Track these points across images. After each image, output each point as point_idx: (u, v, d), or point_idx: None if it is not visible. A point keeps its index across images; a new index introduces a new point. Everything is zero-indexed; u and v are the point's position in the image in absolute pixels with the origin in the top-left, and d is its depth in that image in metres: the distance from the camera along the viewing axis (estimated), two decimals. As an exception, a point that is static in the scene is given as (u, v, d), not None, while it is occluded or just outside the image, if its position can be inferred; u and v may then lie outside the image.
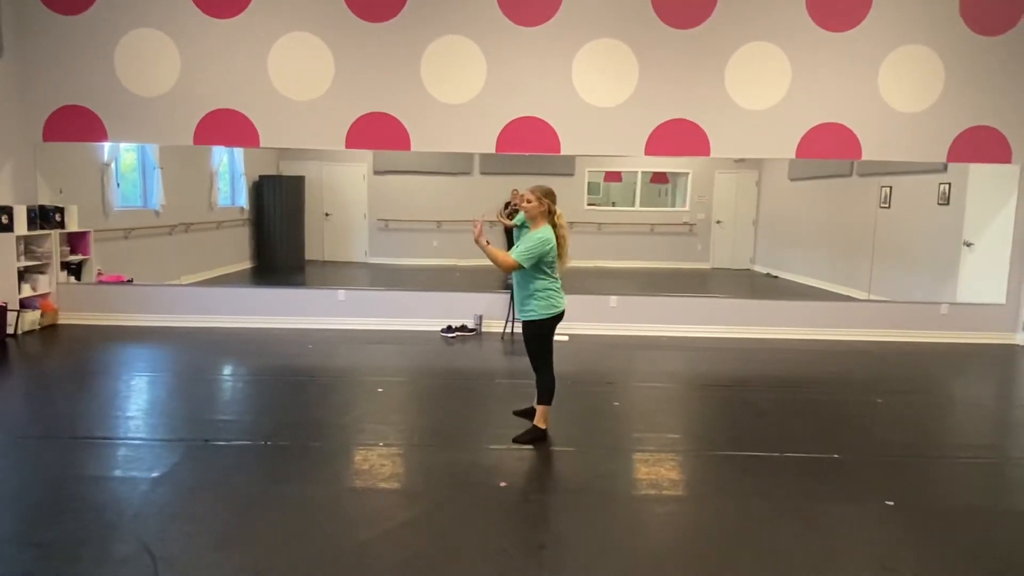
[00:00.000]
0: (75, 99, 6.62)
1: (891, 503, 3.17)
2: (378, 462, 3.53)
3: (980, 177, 7.12)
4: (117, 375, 5.19)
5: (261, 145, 6.69)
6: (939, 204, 7.57)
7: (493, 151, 6.72)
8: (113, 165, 7.73)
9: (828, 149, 6.72)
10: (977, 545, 2.83)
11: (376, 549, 2.68)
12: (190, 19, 6.50)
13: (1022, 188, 6.81)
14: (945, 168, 7.34)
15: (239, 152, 10.38)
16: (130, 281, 7.24)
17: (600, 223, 11.72)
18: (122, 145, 7.79)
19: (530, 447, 3.76)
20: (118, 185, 7.90)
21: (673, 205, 12.18)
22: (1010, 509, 3.22)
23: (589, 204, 11.92)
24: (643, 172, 12.05)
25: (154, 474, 3.30)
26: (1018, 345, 6.89)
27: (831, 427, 4.26)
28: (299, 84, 6.59)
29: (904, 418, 4.51)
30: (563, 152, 6.74)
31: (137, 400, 4.54)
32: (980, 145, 6.71)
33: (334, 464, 3.52)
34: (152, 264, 8.12)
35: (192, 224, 9.10)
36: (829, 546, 2.79)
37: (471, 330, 6.78)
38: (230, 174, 10.46)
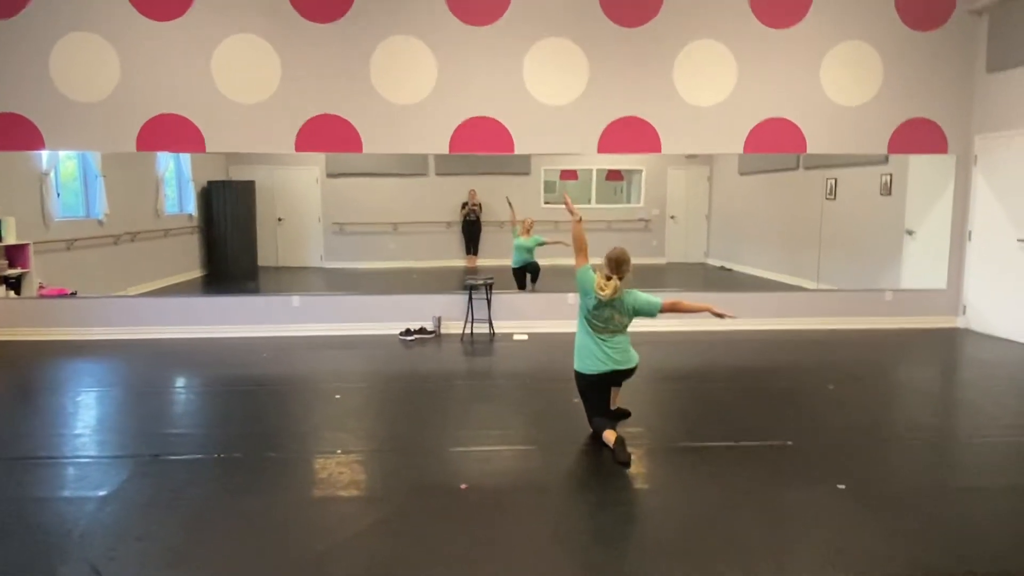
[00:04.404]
0: (9, 107, 6.36)
1: (843, 487, 3.26)
2: (336, 470, 3.48)
3: (919, 168, 7.37)
4: (63, 392, 5.00)
5: (207, 150, 6.54)
6: (882, 195, 7.82)
7: (447, 152, 6.69)
8: (52, 174, 7.45)
9: (775, 143, 6.88)
10: (926, 523, 2.92)
11: (335, 559, 2.64)
12: (128, 22, 6.31)
13: (958, 177, 7.08)
14: (886, 160, 7.59)
15: (185, 158, 10.11)
16: (74, 294, 6.99)
17: (557, 221, 11.77)
18: (61, 153, 7.52)
19: (492, 447, 3.75)
20: (58, 195, 7.62)
21: (628, 202, 12.32)
22: (957, 487, 3.34)
23: (546, 203, 11.97)
24: (598, 170, 12.15)
25: (102, 492, 3.19)
26: (959, 328, 7.16)
27: (784, 415, 4.36)
28: (245, 87, 6.45)
29: (854, 403, 4.64)
30: (517, 151, 6.75)
31: (84, 417, 4.38)
32: (918, 137, 6.96)
33: (291, 474, 3.45)
34: (97, 276, 7.85)
35: (138, 233, 8.83)
36: (783, 531, 2.86)
37: (430, 332, 6.73)
38: (177, 180, 10.19)
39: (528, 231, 7.94)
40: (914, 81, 6.86)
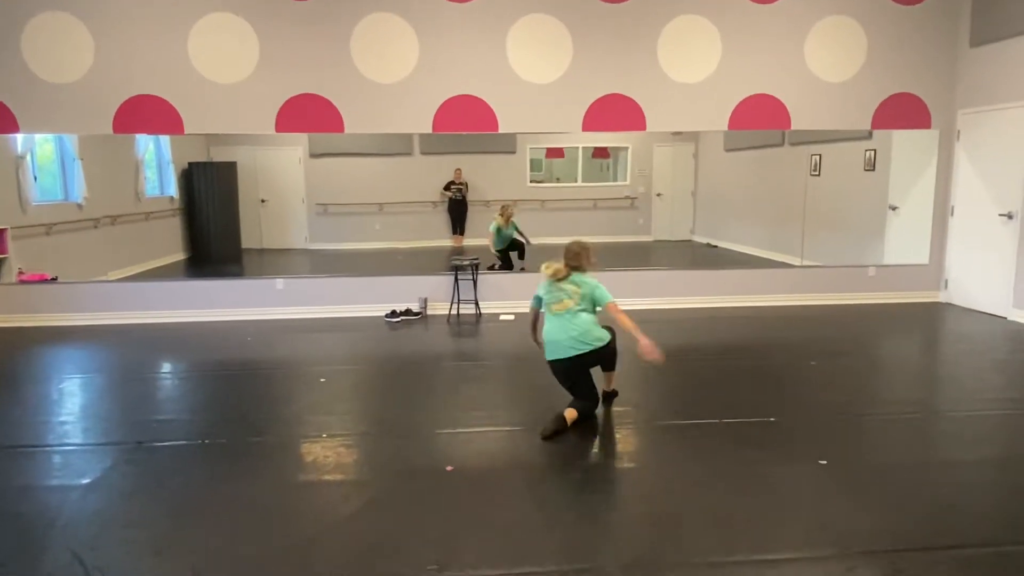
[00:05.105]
0: (-20, 88, 6.21)
1: (824, 462, 3.30)
2: (322, 454, 3.48)
3: (903, 143, 7.39)
4: (44, 379, 4.95)
5: (186, 132, 6.43)
6: (866, 170, 7.84)
7: (430, 131, 6.62)
8: (29, 157, 7.32)
9: (759, 120, 6.86)
10: (907, 497, 2.97)
11: (322, 543, 2.64)
12: (101, 0, 6.16)
13: (941, 153, 7.10)
14: (870, 135, 7.60)
15: (165, 139, 9.95)
16: (54, 279, 6.90)
17: (543, 200, 11.73)
18: (37, 136, 7.37)
19: (478, 428, 3.77)
20: (35, 178, 7.48)
21: (615, 179, 12.28)
22: (937, 460, 3.39)
23: (532, 181, 11.90)
24: (584, 148, 12.09)
25: (85, 481, 3.17)
26: (941, 303, 7.23)
27: (767, 391, 4.40)
28: (223, 67, 6.34)
29: (836, 379, 4.68)
30: (501, 130, 6.69)
31: (66, 404, 4.35)
32: (902, 112, 6.96)
33: (276, 459, 3.45)
34: (77, 260, 7.75)
35: (119, 217, 8.71)
36: (766, 507, 2.89)
37: (416, 314, 6.72)
38: (157, 162, 10.04)
39: (508, 219, 7.85)
40: (898, 56, 6.85)
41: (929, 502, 2.93)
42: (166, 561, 2.52)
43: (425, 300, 6.80)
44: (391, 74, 6.49)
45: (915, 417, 3.98)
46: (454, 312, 6.77)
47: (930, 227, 7.25)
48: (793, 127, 6.93)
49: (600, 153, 12.41)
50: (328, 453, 3.49)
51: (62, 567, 2.47)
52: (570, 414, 3.73)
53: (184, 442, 3.64)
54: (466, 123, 6.63)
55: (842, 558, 2.50)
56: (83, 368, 5.27)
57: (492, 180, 11.49)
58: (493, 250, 7.86)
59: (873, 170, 7.73)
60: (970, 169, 6.89)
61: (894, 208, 7.57)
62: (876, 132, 7.27)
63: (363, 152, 11.11)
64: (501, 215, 7.91)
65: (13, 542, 2.65)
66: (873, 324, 6.42)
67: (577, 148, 12.11)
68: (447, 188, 11.10)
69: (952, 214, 7.15)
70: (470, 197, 11.23)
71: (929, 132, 7.06)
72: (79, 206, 8.17)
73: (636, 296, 6.96)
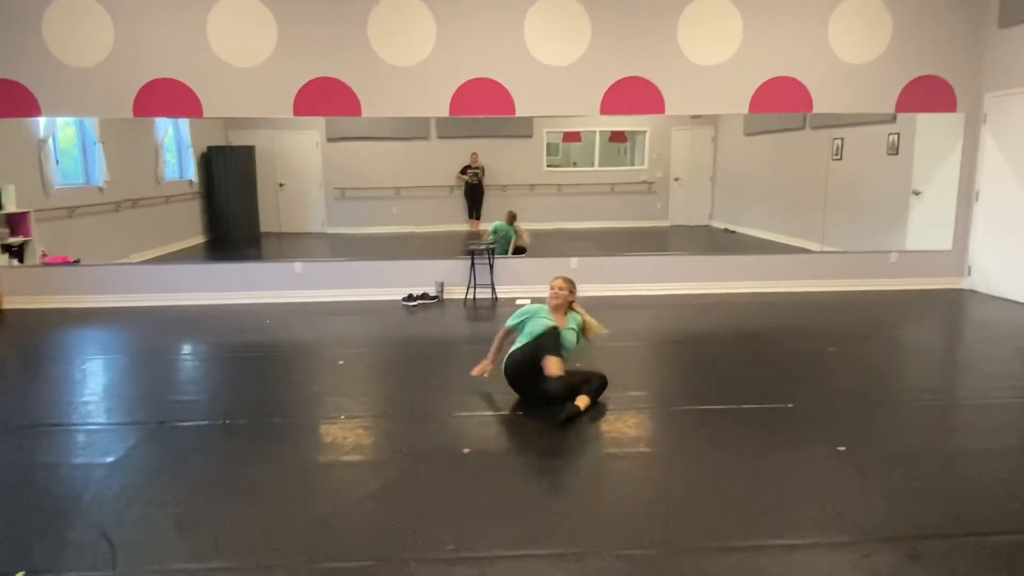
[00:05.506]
0: (4, 73, 6.28)
1: (843, 448, 3.28)
2: (340, 435, 3.52)
3: (927, 127, 7.26)
4: (68, 359, 5.04)
5: (205, 115, 6.47)
6: (889, 154, 7.71)
7: (447, 115, 6.61)
8: (51, 141, 7.40)
9: (780, 103, 6.76)
10: (925, 484, 2.94)
11: (340, 523, 2.68)
12: (121, -16, 6.19)
13: (967, 137, 6.97)
14: (894, 119, 7.47)
15: (184, 123, 10.01)
16: (77, 262, 7.00)
17: (560, 184, 11.68)
18: (59, 120, 7.45)
19: (495, 412, 3.78)
20: (57, 162, 7.57)
21: (632, 164, 12.18)
22: (956, 448, 3.36)
23: (549, 166, 11.84)
24: (602, 131, 11.99)
25: (109, 459, 3.23)
26: (964, 289, 7.13)
27: (785, 378, 4.37)
28: (241, 50, 6.35)
29: (855, 366, 4.64)
30: (518, 114, 6.67)
31: (90, 384, 4.42)
32: (927, 95, 6.83)
33: (295, 440, 3.49)
34: (99, 243, 7.85)
35: (139, 200, 8.80)
36: (783, 493, 2.88)
37: (432, 298, 6.74)
38: (176, 146, 10.10)
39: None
40: (924, 37, 6.71)
41: (948, 489, 2.90)
42: (189, 537, 2.57)
43: (442, 284, 6.82)
44: (408, 57, 6.47)
45: (935, 404, 3.94)
46: (470, 296, 6.78)
47: (954, 212, 7.13)
48: (815, 110, 6.83)
49: (617, 137, 12.31)
50: (347, 434, 3.53)
51: (89, 542, 2.53)
52: (582, 401, 3.73)
53: (205, 422, 3.69)
54: (483, 107, 6.60)
55: (860, 544, 2.49)
56: (105, 349, 5.35)
57: (509, 164, 11.46)
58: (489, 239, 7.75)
59: (896, 154, 7.60)
60: (996, 153, 6.76)
61: (917, 193, 7.45)
62: (900, 115, 7.15)
63: (380, 136, 11.11)
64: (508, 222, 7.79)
65: (41, 518, 2.71)
66: (894, 311, 6.35)
67: (594, 132, 12.01)
68: (463, 172, 11.08)
69: (977, 199, 7.03)
70: (486, 181, 11.22)
71: (954, 115, 6.93)
72: (100, 189, 8.26)
73: (653, 281, 6.93)
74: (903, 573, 2.34)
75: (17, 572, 2.34)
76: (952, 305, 6.55)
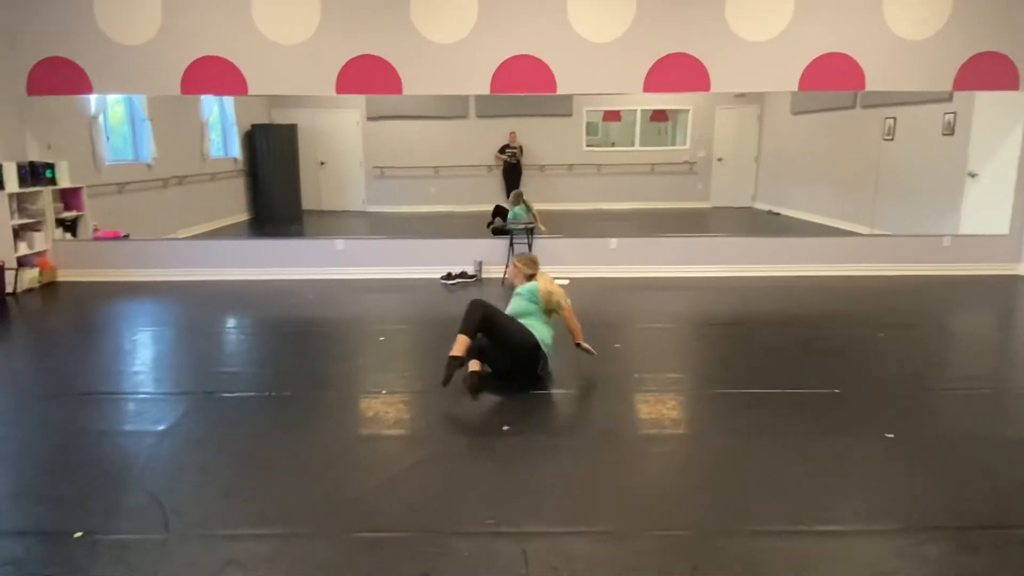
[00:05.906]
0: (57, 50, 6.43)
1: (891, 435, 3.20)
2: (382, 409, 3.56)
3: (986, 106, 6.96)
4: (119, 331, 5.20)
5: (249, 92, 6.53)
6: (944, 135, 7.44)
7: (487, 92, 6.56)
8: (101, 118, 7.59)
9: (831, 80, 6.54)
10: (974, 474, 2.86)
11: (381, 495, 2.72)
12: (169, -38, 6.26)
13: (1029, 116, 6.66)
14: (950, 97, 7.18)
15: (229, 101, 10.18)
16: (127, 236, 7.20)
17: (599, 164, 11.56)
18: (109, 97, 7.62)
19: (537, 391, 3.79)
20: (107, 138, 7.77)
21: (673, 143, 12.00)
22: (1008, 438, 3.25)
23: (588, 145, 11.73)
24: (642, 110, 11.82)
25: (160, 427, 3.33)
26: (1021, 275, 6.86)
27: (832, 363, 4.27)
28: (285, 28, 6.39)
29: (905, 352, 4.52)
30: (559, 91, 6.58)
31: (140, 355, 4.56)
32: (987, 72, 6.53)
33: (338, 413, 3.55)
34: (147, 218, 8.06)
35: (185, 177, 8.99)
36: (828, 479, 2.83)
37: (471, 276, 6.76)
38: (221, 124, 10.28)
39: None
40: (986, 12, 6.40)
41: (998, 481, 2.81)
42: (235, 504, 2.64)
43: (480, 263, 6.83)
44: (450, 34, 6.43)
45: (987, 393, 3.82)
46: (508, 276, 6.77)
47: (1012, 196, 6.84)
48: (868, 88, 6.59)
49: (658, 116, 12.11)
50: (388, 409, 3.57)
51: (142, 507, 2.61)
52: (473, 365, 3.80)
53: (252, 393, 3.78)
54: (524, 84, 6.54)
55: (910, 532, 2.43)
56: (154, 321, 5.50)
57: (547, 143, 11.38)
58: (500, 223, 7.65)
59: (952, 135, 7.32)
60: (1060, 134, 6.45)
61: (973, 175, 7.17)
62: (957, 94, 6.87)
63: (419, 115, 11.13)
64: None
65: (96, 483, 2.81)
66: (946, 296, 6.15)
67: (635, 111, 11.84)
68: (502, 151, 11.05)
69: (1037, 182, 6.73)
70: (524, 161, 11.16)
71: (1016, 94, 6.61)
72: (148, 166, 8.46)
73: (694, 263, 6.82)
74: (951, 563, 2.28)
75: (75, 532, 2.43)
76: (1007, 291, 6.32)
